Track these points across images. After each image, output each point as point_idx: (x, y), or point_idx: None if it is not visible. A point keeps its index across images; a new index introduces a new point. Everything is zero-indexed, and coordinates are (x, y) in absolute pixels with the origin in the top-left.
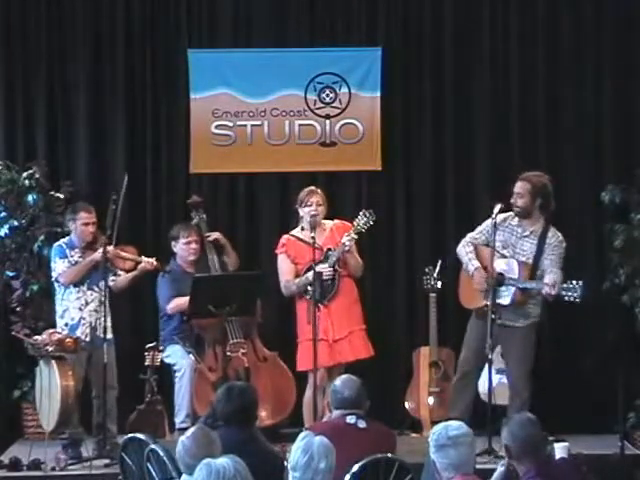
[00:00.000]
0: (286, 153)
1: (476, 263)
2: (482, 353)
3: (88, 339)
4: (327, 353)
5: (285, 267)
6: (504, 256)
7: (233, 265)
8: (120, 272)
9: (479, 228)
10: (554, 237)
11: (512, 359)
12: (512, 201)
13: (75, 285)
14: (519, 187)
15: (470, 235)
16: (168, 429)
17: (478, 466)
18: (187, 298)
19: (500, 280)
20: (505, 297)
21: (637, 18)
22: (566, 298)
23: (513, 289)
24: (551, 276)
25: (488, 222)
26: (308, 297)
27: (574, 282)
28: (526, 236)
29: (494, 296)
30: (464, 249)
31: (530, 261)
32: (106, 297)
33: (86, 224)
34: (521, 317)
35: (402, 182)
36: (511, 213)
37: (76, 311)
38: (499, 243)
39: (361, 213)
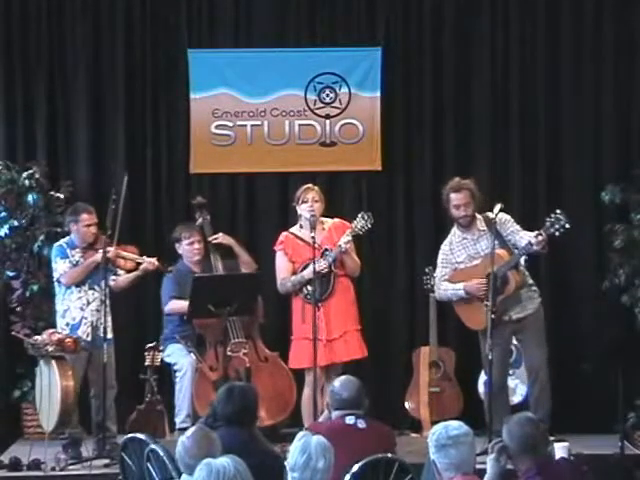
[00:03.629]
0: (286, 153)
1: (460, 285)
2: (507, 363)
3: (89, 338)
4: (322, 352)
5: (282, 265)
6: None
7: (248, 268)
8: (120, 272)
9: (439, 262)
10: (498, 218)
11: (532, 345)
12: (457, 214)
13: (76, 285)
14: (462, 198)
15: (437, 277)
16: (168, 429)
17: (478, 466)
18: (186, 302)
19: (495, 276)
20: (508, 288)
21: (637, 18)
22: (557, 233)
23: (509, 275)
24: (527, 233)
25: (442, 251)
26: (302, 296)
27: (552, 215)
28: (480, 237)
29: (494, 296)
30: (441, 290)
31: (500, 249)
32: (107, 297)
33: (88, 225)
34: (528, 302)
35: (402, 182)
36: (453, 235)
37: (77, 311)
38: (466, 261)
39: (359, 215)
